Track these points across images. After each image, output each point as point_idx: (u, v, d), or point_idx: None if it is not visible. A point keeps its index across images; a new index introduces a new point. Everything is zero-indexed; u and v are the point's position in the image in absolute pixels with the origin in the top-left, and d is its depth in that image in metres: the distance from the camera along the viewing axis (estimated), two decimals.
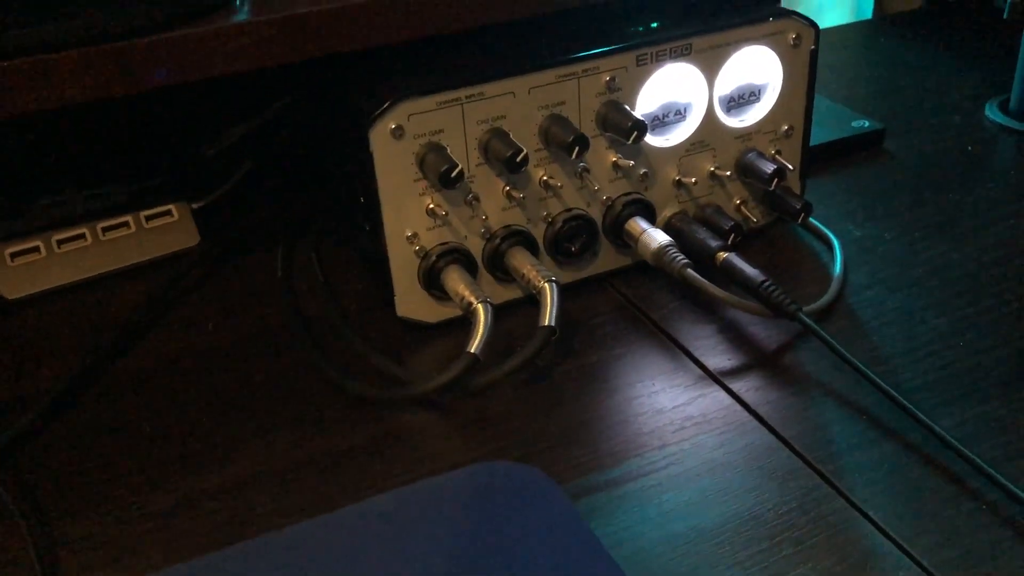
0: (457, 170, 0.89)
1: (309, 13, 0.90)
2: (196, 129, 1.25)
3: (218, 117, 1.24)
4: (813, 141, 1.18)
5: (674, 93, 0.98)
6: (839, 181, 1.26)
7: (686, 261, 0.98)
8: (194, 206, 1.21)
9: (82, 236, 1.03)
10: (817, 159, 1.25)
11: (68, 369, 0.86)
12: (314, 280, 1.07)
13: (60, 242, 1.02)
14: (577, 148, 0.94)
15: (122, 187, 1.14)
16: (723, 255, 1.00)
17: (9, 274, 0.99)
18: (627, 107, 0.99)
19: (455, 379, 0.80)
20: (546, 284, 0.93)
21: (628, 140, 0.97)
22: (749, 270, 0.98)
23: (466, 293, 0.92)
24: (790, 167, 1.09)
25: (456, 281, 0.94)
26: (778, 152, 1.10)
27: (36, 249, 1.01)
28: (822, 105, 1.40)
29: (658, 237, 1.00)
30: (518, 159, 0.91)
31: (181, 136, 1.25)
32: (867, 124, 1.35)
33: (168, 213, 1.09)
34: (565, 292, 0.87)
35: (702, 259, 1.02)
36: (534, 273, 0.95)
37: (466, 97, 0.92)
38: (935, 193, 1.16)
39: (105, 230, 1.04)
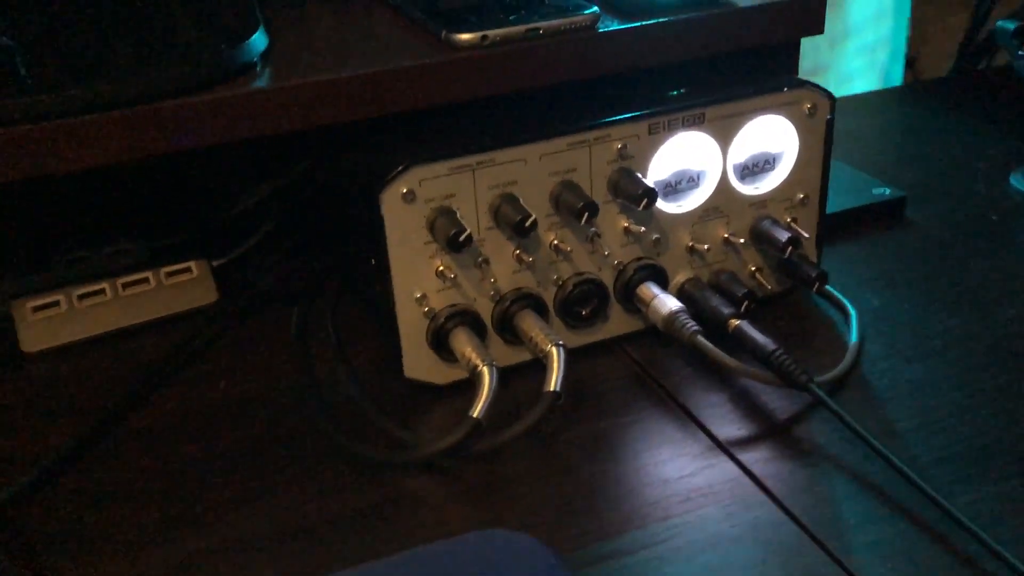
0: (465, 234, 0.90)
1: (338, 80, 0.92)
2: (218, 188, 1.27)
3: (241, 177, 1.27)
4: (832, 208, 1.17)
5: (687, 161, 0.98)
6: (858, 249, 1.25)
7: (697, 328, 0.97)
8: (214, 264, 1.23)
9: (102, 291, 1.04)
10: (836, 227, 1.25)
11: (77, 428, 0.87)
12: (327, 340, 1.07)
13: (80, 296, 1.03)
14: (587, 214, 0.94)
15: (144, 244, 1.16)
16: (735, 322, 1.00)
17: (30, 328, 1.00)
18: (638, 174, 0.99)
19: (457, 444, 0.79)
20: (553, 348, 0.93)
21: (639, 207, 0.97)
22: (761, 338, 0.97)
23: (472, 355, 0.92)
24: (805, 235, 1.08)
25: (463, 343, 0.94)
26: (794, 220, 1.09)
27: (56, 303, 1.02)
28: (843, 172, 1.40)
29: (669, 303, 1.00)
30: (526, 224, 0.92)
31: (203, 195, 1.28)
32: (888, 192, 1.34)
33: (188, 270, 1.10)
34: (575, 355, 0.87)
35: (714, 326, 1.01)
36: (541, 337, 0.95)
37: (477, 163, 0.93)
38: (956, 263, 1.14)
39: (125, 286, 1.05)
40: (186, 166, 1.21)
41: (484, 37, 0.98)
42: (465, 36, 0.97)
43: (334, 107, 0.92)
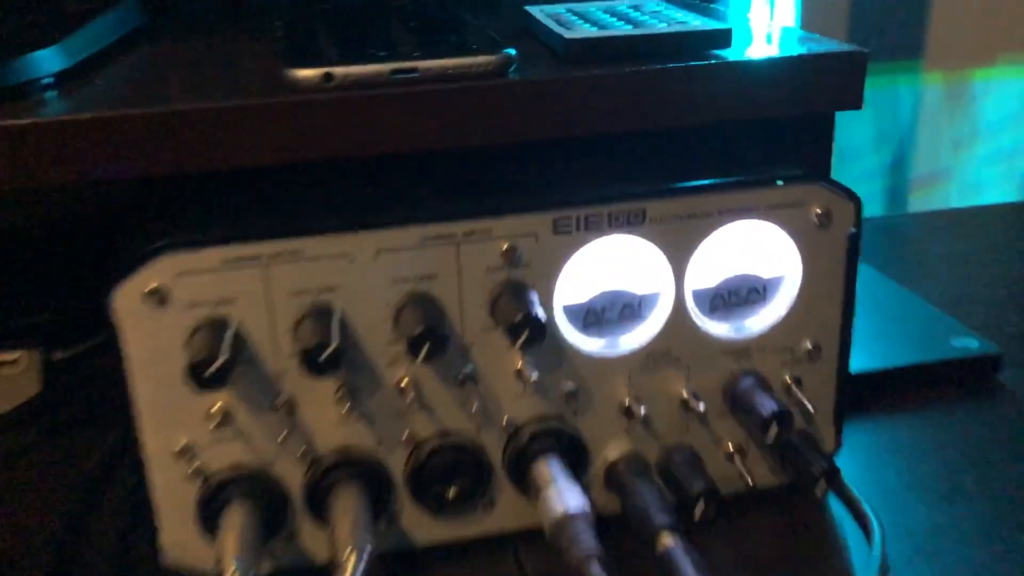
0: (217, 365, 0.57)
1: (113, 118, 0.62)
2: (70, 273, 1.00)
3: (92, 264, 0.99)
4: (884, 363, 0.81)
5: (622, 279, 0.65)
6: (916, 429, 0.86)
7: (592, 549, 0.61)
8: (56, 356, 0.98)
9: None
10: (885, 391, 0.86)
11: None
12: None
13: None
14: (426, 347, 0.61)
15: None
16: (667, 541, 0.63)
17: None
18: (532, 293, 0.65)
19: None
20: (350, 555, 0.58)
21: (514, 343, 0.63)
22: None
23: (228, 550, 0.59)
24: (811, 408, 0.71)
25: (229, 528, 0.61)
26: (795, 381, 0.73)
27: None
28: (914, 310, 1.01)
29: (567, 498, 0.64)
30: (321, 357, 0.59)
31: (54, 279, 1.01)
32: (976, 345, 0.95)
33: (13, 363, 0.83)
34: (439, 559, 0.52)
35: (641, 538, 0.65)
36: (344, 533, 0.60)
37: (273, 255, 0.61)
38: None
39: None
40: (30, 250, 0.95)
41: (328, 76, 0.67)
42: (304, 73, 0.66)
43: (110, 155, 0.62)
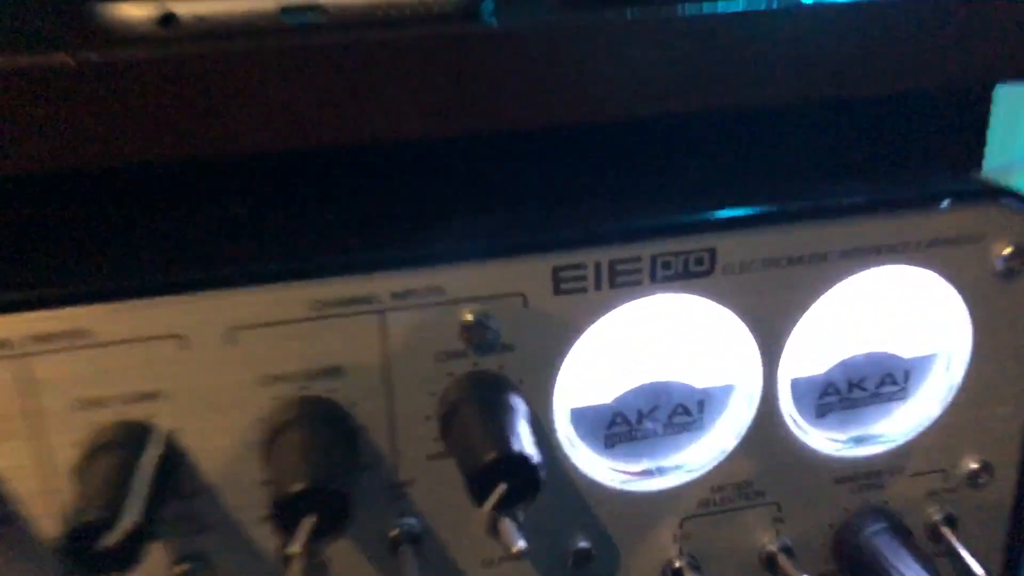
0: None
1: None
2: None
3: None
4: None
5: (673, 365, 0.39)
6: None
7: None
8: None
9: None
10: None
11: None
12: None
13: None
14: (311, 523, 0.32)
15: None
16: None
17: None
18: (515, 397, 0.37)
19: None
20: None
21: (479, 502, 0.34)
22: None
23: None
24: (975, 567, 0.42)
25: None
26: (947, 521, 0.44)
27: None
28: None
29: None
30: (101, 545, 0.30)
31: None
32: None
33: None
34: None
35: None
36: None
37: (31, 338, 0.33)
38: None
39: None
40: None
41: (168, 16, 0.38)
42: (127, 9, 0.37)
43: None
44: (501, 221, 0.38)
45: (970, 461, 0.46)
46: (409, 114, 0.37)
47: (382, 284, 0.36)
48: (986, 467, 0.46)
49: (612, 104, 0.38)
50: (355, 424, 0.38)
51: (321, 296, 0.36)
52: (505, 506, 0.35)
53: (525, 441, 0.35)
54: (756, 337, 0.41)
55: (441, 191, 0.41)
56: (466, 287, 0.37)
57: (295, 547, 0.33)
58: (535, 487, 0.35)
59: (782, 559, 0.44)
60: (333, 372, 0.37)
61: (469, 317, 0.37)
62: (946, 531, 0.46)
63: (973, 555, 0.45)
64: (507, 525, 0.39)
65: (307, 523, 0.33)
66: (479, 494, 0.34)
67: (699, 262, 0.39)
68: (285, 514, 0.33)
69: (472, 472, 0.34)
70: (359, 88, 0.36)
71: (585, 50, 0.36)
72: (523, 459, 0.34)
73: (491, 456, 0.34)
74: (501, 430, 0.35)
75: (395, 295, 0.36)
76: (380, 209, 0.40)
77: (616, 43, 0.37)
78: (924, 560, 0.43)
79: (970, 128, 0.49)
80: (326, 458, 0.35)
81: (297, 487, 0.33)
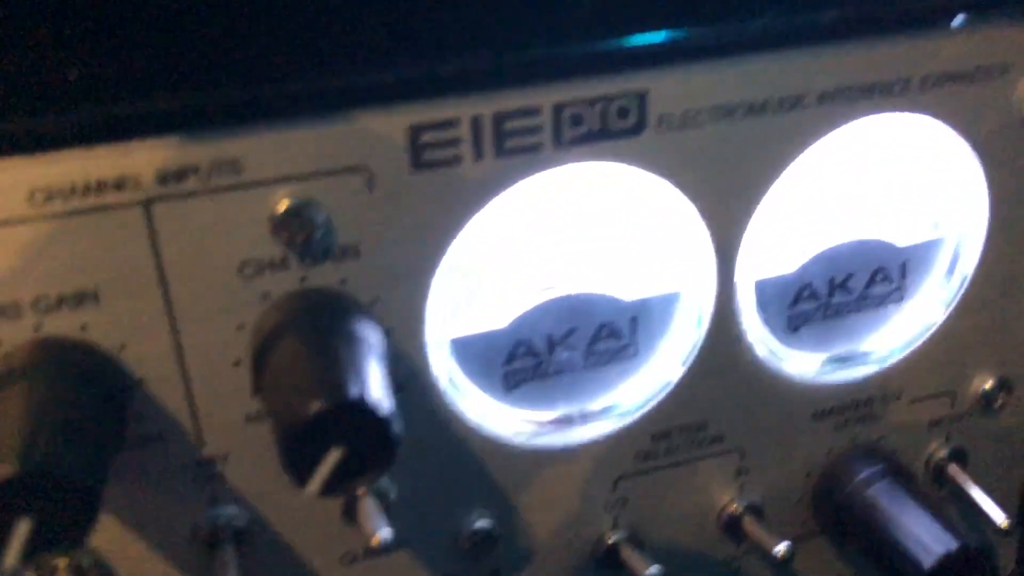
0: None
1: None
2: None
3: None
4: None
5: (587, 274, 0.29)
6: None
7: None
8: None
9: None
10: None
11: None
12: None
13: None
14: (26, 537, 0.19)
15: None
16: None
17: None
18: (363, 322, 0.24)
19: None
20: None
21: (300, 482, 0.21)
22: None
23: None
24: (1002, 518, 0.32)
25: None
26: (956, 455, 0.33)
27: None
28: None
29: None
30: None
31: None
32: None
33: None
34: None
35: None
36: None
37: None
38: None
39: None
40: None
41: None
42: None
43: None
44: (327, 57, 0.25)
45: (983, 379, 0.35)
46: None
47: (141, 159, 0.23)
48: (1003, 384, 0.35)
49: None
50: (124, 376, 0.25)
51: (43, 181, 0.23)
52: (342, 483, 0.22)
53: (369, 383, 0.23)
54: (706, 222, 0.29)
55: (241, 29, 0.28)
56: (276, 161, 0.24)
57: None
58: (388, 451, 0.22)
59: (748, 522, 0.33)
60: (79, 299, 0.24)
61: (283, 205, 0.25)
62: (954, 470, 0.36)
63: (989, 497, 0.35)
64: (367, 506, 0.28)
65: (21, 529, 0.20)
66: (298, 467, 0.22)
67: (623, 113, 0.27)
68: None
69: (286, 436, 0.22)
70: None
71: None
72: (364, 408, 0.22)
73: (314, 408, 0.21)
74: (331, 370, 0.23)
75: (162, 176, 0.24)
76: (142, 49, 0.27)
77: None
78: (934, 510, 0.33)
79: None
80: (55, 432, 0.22)
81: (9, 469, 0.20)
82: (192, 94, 0.24)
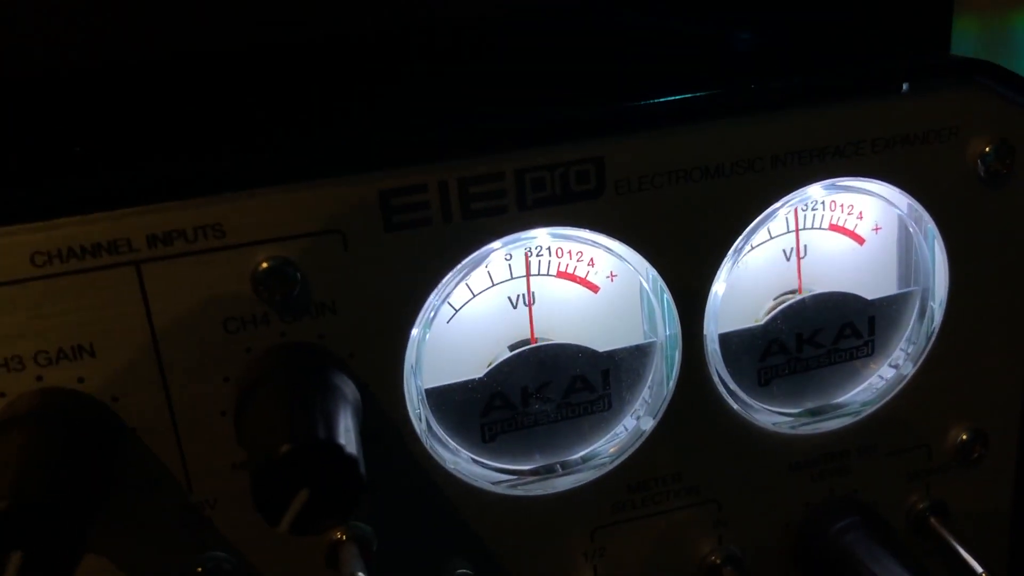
0: None
1: None
2: None
3: None
4: None
5: (559, 327, 0.32)
6: None
7: None
8: None
9: None
10: None
11: None
12: None
13: None
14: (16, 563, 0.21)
15: None
16: None
17: None
18: (336, 375, 0.26)
19: None
20: None
21: (273, 522, 0.23)
22: None
23: None
24: (974, 564, 0.33)
25: None
26: (935, 509, 0.34)
27: None
28: None
29: None
30: None
31: None
32: None
33: None
34: None
35: None
36: None
37: None
38: None
39: None
40: None
41: None
42: None
43: None
44: (304, 133, 0.28)
45: (959, 431, 0.36)
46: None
47: (133, 224, 0.26)
48: (978, 436, 0.36)
49: None
50: (118, 425, 0.27)
51: (44, 244, 0.25)
52: (312, 522, 0.24)
53: (337, 427, 0.24)
54: (666, 280, 0.31)
55: (221, 103, 0.30)
56: (256, 223, 0.27)
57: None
58: (353, 491, 0.24)
59: (727, 573, 0.34)
60: (77, 352, 0.26)
61: (263, 265, 0.27)
62: (935, 523, 0.36)
63: (970, 551, 0.35)
64: (347, 552, 0.29)
65: (13, 561, 0.22)
66: (269, 506, 0.24)
67: (583, 178, 0.29)
68: None
69: (257, 475, 0.23)
70: None
71: None
72: (331, 450, 0.23)
73: (283, 449, 0.23)
74: (301, 415, 0.25)
75: (153, 239, 0.26)
76: (132, 126, 0.30)
77: None
78: (909, 562, 0.33)
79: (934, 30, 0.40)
80: (48, 468, 0.24)
81: None
82: (177, 164, 0.27)
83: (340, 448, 0.24)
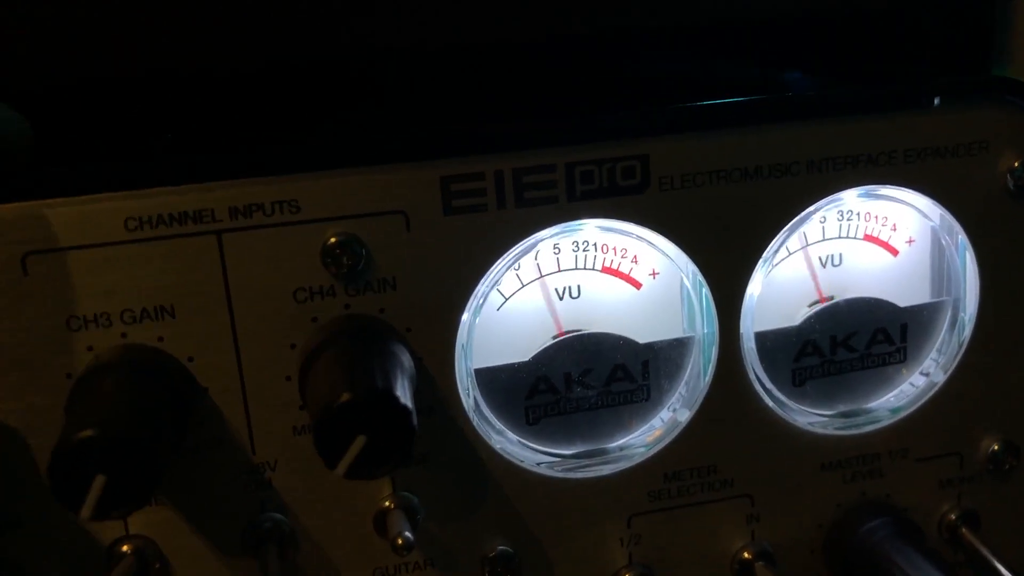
0: None
1: None
2: None
3: None
4: None
5: (605, 314, 0.33)
6: None
7: None
8: None
9: None
10: None
11: None
12: None
13: None
14: (96, 495, 0.24)
15: None
16: None
17: None
18: (395, 344, 0.28)
19: None
20: None
21: (332, 463, 0.25)
22: None
23: None
24: (1003, 571, 0.34)
25: None
26: (967, 518, 0.34)
27: None
28: None
29: None
30: None
31: None
32: None
33: None
34: None
35: None
36: None
37: None
38: None
39: None
40: None
41: None
42: None
43: None
44: (376, 123, 0.31)
45: (991, 441, 0.37)
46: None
47: (217, 196, 0.29)
48: (1009, 448, 0.37)
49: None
50: (191, 382, 0.29)
51: (137, 211, 0.28)
52: (368, 467, 0.26)
53: (394, 383, 0.26)
54: (705, 275, 0.32)
55: (303, 95, 0.33)
56: (328, 201, 0.29)
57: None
58: (406, 439, 0.26)
59: (760, 568, 0.35)
60: (159, 313, 0.29)
61: (332, 240, 0.29)
62: (967, 533, 0.37)
63: (1004, 563, 0.36)
64: (395, 516, 0.31)
65: (97, 484, 0.24)
66: (329, 450, 0.26)
67: (629, 173, 0.31)
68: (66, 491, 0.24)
69: (320, 422, 0.26)
70: None
71: None
72: (387, 400, 0.26)
73: (343, 398, 0.25)
74: (363, 371, 0.27)
75: (234, 211, 0.29)
76: (224, 111, 0.33)
77: None
78: (942, 565, 0.34)
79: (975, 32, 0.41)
80: (135, 406, 0.26)
81: (84, 435, 0.24)
82: (261, 146, 0.29)
83: (396, 399, 0.26)
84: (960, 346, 0.36)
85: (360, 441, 0.26)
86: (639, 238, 0.32)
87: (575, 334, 0.33)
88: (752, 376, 0.34)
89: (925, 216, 0.35)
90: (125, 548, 0.30)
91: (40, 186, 0.28)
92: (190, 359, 0.30)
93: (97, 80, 0.31)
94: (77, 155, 0.30)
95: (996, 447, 0.37)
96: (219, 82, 0.32)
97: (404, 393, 0.26)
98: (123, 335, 0.29)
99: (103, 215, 0.28)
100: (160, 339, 0.29)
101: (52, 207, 0.28)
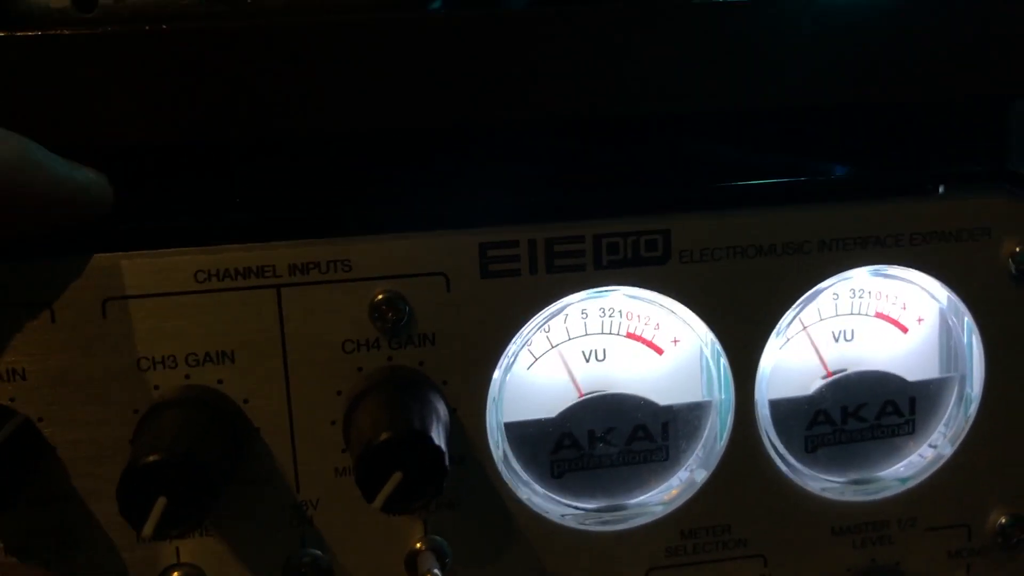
0: None
1: None
2: None
3: None
4: None
5: (627, 376, 0.36)
6: None
7: None
8: None
9: None
10: None
11: None
12: None
13: None
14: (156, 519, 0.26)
15: None
16: None
17: None
18: (430, 392, 0.31)
19: None
20: None
21: (369, 497, 0.28)
22: None
23: None
24: None
25: None
26: None
27: None
28: None
29: None
30: None
31: None
32: None
33: None
34: None
35: None
36: None
37: None
38: None
39: None
40: None
41: (88, 2, 0.36)
42: None
43: None
44: (422, 191, 0.34)
45: (999, 514, 0.38)
46: (345, 100, 0.33)
47: (279, 254, 0.32)
48: (1018, 521, 0.38)
49: (557, 103, 0.34)
50: (245, 422, 0.32)
51: (207, 265, 0.31)
52: (403, 502, 0.29)
53: (430, 426, 0.29)
54: (723, 343, 0.35)
55: (356, 164, 0.37)
56: (377, 262, 0.32)
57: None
58: (438, 477, 0.29)
59: None
60: (220, 357, 0.32)
61: (379, 296, 0.32)
62: None
63: None
64: (425, 556, 0.33)
65: (159, 505, 0.27)
66: (370, 485, 0.28)
67: (652, 246, 0.34)
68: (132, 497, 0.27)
69: (362, 457, 0.28)
70: (287, 73, 0.32)
71: (534, 39, 0.33)
72: (422, 440, 0.28)
73: (383, 437, 0.28)
74: (402, 414, 0.29)
75: (293, 268, 0.32)
76: (285, 176, 0.36)
77: (571, 29, 0.33)
78: None
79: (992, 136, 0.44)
80: (195, 437, 0.29)
81: (150, 459, 0.27)
82: (318, 210, 0.33)
83: (430, 439, 0.28)
84: (967, 420, 0.37)
85: (396, 477, 0.28)
86: (662, 307, 0.35)
87: (599, 394, 0.35)
88: (766, 441, 0.36)
89: (933, 297, 0.37)
90: (176, 574, 0.33)
91: (120, 239, 0.32)
92: (245, 401, 0.32)
93: (172, 146, 0.35)
94: (153, 211, 0.34)
95: (1004, 520, 0.38)
96: (282, 149, 0.36)
97: (438, 435, 0.29)
98: (186, 376, 0.32)
99: (176, 267, 0.31)
100: (219, 381, 0.32)
101: (130, 258, 0.31)
